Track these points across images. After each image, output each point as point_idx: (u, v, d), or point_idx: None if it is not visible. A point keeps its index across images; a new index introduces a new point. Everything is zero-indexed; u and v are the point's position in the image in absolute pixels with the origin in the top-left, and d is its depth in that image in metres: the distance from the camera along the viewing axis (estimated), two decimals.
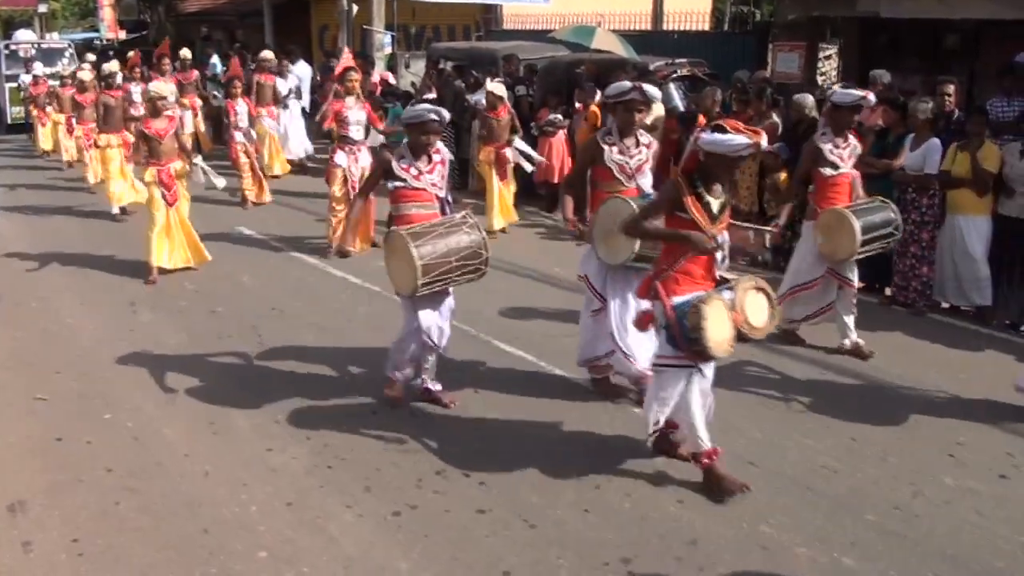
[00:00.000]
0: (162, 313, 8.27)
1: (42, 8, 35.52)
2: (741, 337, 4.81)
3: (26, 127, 20.79)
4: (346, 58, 12.20)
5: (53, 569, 4.39)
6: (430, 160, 5.85)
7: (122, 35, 34.24)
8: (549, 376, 6.72)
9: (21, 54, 23.73)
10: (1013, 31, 10.61)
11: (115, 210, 12.38)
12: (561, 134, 12.22)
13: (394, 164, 5.78)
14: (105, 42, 33.07)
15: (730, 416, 6.00)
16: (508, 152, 11.16)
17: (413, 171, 5.79)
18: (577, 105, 12.19)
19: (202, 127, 16.74)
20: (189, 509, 4.90)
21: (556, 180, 12.27)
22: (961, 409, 6.21)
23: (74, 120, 15.13)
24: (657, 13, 18.49)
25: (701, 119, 10.61)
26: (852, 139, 7.05)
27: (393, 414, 6.06)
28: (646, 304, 5.47)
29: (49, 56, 23.45)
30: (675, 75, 12.70)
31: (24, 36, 27.71)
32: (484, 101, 11.76)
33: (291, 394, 6.38)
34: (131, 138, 12.21)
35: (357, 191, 5.92)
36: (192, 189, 9.78)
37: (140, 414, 6.10)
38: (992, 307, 8.05)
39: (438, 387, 6.21)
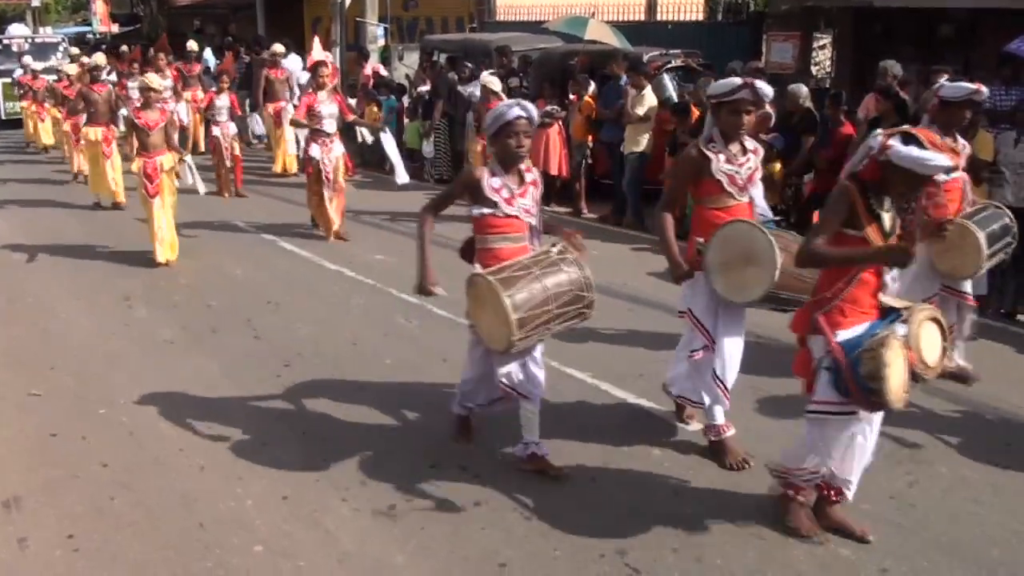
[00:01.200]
0: (156, 308, 8.25)
1: (35, 2, 35.32)
2: (913, 377, 4.04)
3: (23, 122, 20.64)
4: (317, 51, 12.15)
5: (49, 566, 4.38)
6: (522, 180, 4.89)
7: (115, 29, 34.12)
8: (545, 368, 6.69)
9: (14, 48, 23.64)
10: (1008, 20, 10.60)
11: (106, 202, 12.60)
12: (557, 125, 12.20)
13: (485, 183, 4.77)
14: (98, 36, 32.96)
15: None
16: None
17: (505, 193, 4.80)
18: (571, 96, 12.19)
19: (199, 123, 16.60)
20: (185, 504, 4.88)
21: (553, 172, 12.25)
22: (957, 398, 6.21)
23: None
24: (651, 3, 18.45)
25: (694, 110, 10.64)
26: (960, 137, 6.30)
27: (390, 407, 6.05)
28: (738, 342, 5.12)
29: (42, 50, 23.36)
30: (669, 66, 12.68)
31: (17, 31, 27.60)
32: (478, 93, 11.75)
33: (286, 388, 6.38)
34: (117, 132, 12.46)
35: (424, 212, 5.00)
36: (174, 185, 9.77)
37: (135, 409, 6.08)
38: (986, 296, 8.04)
39: (544, 450, 5.16)
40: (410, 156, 14.69)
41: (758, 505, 4.79)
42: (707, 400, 5.27)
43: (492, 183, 4.78)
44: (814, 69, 14.33)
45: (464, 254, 5.07)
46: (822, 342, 4.19)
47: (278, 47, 15.45)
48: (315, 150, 10.32)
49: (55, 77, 17.07)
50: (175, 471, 5.25)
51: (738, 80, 5.02)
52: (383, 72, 16.88)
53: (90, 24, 35.82)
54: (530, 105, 4.83)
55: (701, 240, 5.02)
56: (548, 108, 12.19)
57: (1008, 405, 6.09)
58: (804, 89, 9.78)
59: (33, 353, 7.19)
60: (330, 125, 10.36)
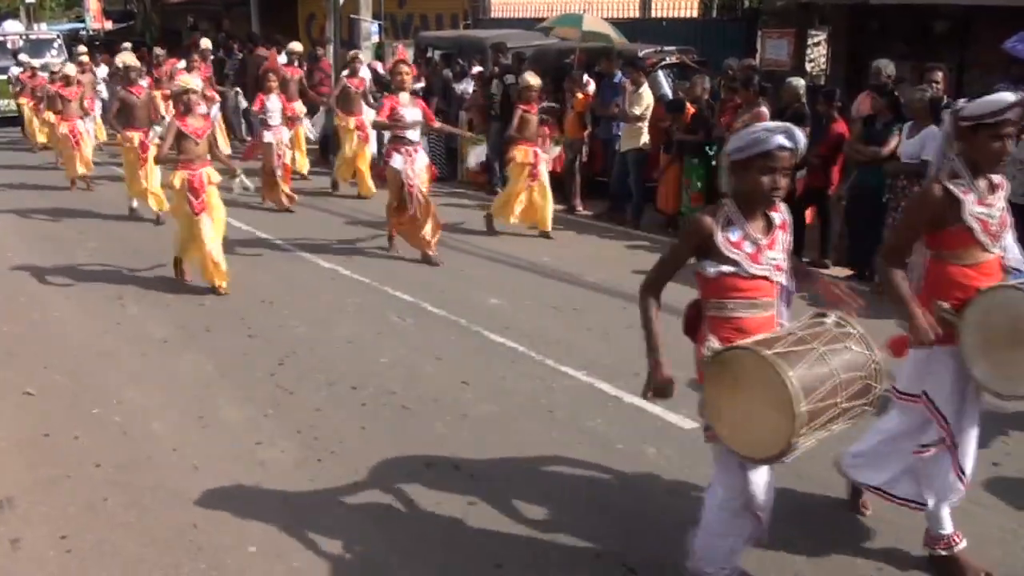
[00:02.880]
0: (150, 307, 8.22)
1: None
2: None
3: (21, 120, 19.99)
4: (399, 51, 11.36)
5: (42, 566, 4.36)
6: (769, 225, 3.67)
7: (108, 25, 34.03)
8: (540, 367, 6.71)
9: (8, 45, 23.50)
10: (1003, 17, 10.60)
11: (134, 203, 11.82)
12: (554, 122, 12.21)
13: (719, 237, 3.57)
14: (91, 32, 32.87)
15: None
16: (544, 154, 10.67)
17: (748, 246, 3.59)
18: (567, 94, 12.17)
19: (221, 126, 15.91)
20: (178, 504, 4.86)
21: (557, 169, 12.27)
22: None
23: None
24: (645, 0, 18.44)
25: (689, 107, 10.63)
26: None
27: (384, 407, 6.04)
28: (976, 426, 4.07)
29: (37, 47, 23.20)
30: (664, 63, 12.66)
31: (12, 27, 27.46)
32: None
33: (280, 387, 6.36)
34: (153, 139, 11.17)
35: (646, 292, 3.73)
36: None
37: (128, 408, 6.07)
38: None
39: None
40: None
41: None
42: (932, 502, 4.19)
43: (729, 236, 3.57)
44: (809, 66, 14.34)
45: (688, 325, 3.86)
46: None
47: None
48: (398, 160, 9.20)
49: (50, 77, 16.47)
50: (168, 470, 5.23)
51: (1009, 96, 3.87)
52: (378, 69, 16.83)
53: (83, 21, 35.73)
54: (799, 132, 3.55)
55: (946, 305, 3.93)
56: (545, 105, 12.18)
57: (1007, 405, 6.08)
58: (802, 83, 9.77)
59: (27, 352, 7.16)
60: (414, 133, 9.37)
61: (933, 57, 10.41)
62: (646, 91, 11.26)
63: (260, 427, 5.76)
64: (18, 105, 19.55)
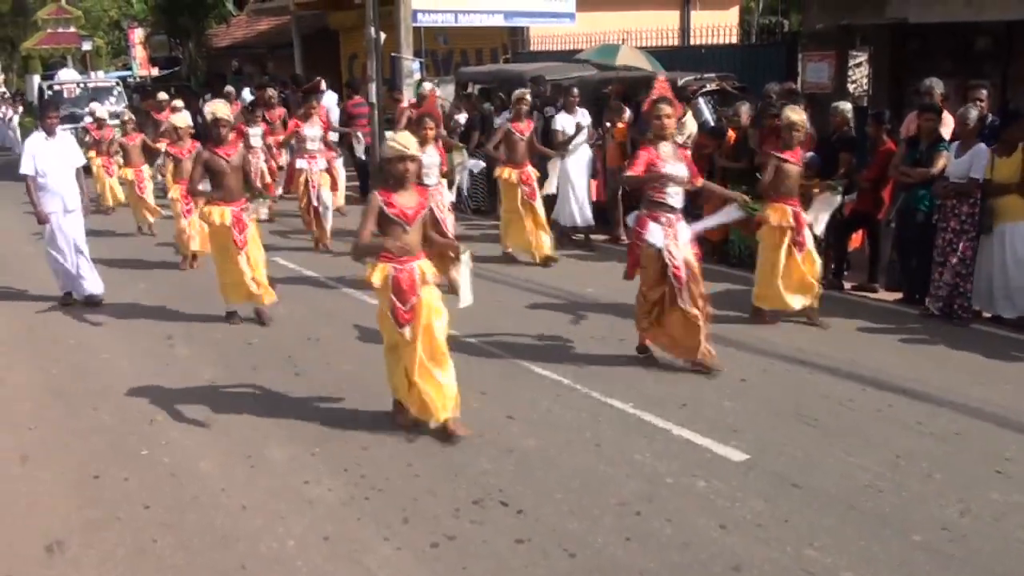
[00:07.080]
0: (198, 347, 8.29)
1: (86, 46, 35.67)
2: None
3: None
4: (661, 85, 8.86)
5: None
6: None
7: (155, 72, 34.69)
8: (585, 399, 6.65)
9: (65, 95, 23.43)
10: None
11: (236, 307, 9.06)
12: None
13: None
14: (139, 80, 33.49)
15: (769, 434, 5.91)
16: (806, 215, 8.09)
17: None
18: (607, 124, 12.18)
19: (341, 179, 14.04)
20: (226, 545, 4.87)
21: (593, 198, 12.25)
22: (1007, 421, 6.06)
23: (156, 174, 13.63)
24: (684, 28, 18.45)
25: (731, 134, 10.57)
26: None
27: (430, 442, 6.02)
28: None
29: (96, 95, 22.77)
30: (704, 90, 12.63)
31: (68, 75, 27.67)
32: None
33: (327, 425, 6.37)
34: (259, 210, 9.06)
35: None
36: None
37: (176, 449, 6.11)
38: None
39: None
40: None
41: (805, 536, 4.69)
42: None
43: None
44: (851, 87, 14.19)
45: None
46: None
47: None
48: (656, 234, 6.96)
49: (121, 128, 14.66)
50: (216, 511, 5.24)
51: None
52: None
53: (130, 68, 36.45)
54: None
55: None
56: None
57: None
58: (849, 107, 9.69)
59: (76, 393, 7.24)
60: (677, 197, 7.03)
61: (976, 74, 10.25)
62: (689, 119, 11.23)
63: (307, 465, 5.77)
64: (89, 158, 16.15)
